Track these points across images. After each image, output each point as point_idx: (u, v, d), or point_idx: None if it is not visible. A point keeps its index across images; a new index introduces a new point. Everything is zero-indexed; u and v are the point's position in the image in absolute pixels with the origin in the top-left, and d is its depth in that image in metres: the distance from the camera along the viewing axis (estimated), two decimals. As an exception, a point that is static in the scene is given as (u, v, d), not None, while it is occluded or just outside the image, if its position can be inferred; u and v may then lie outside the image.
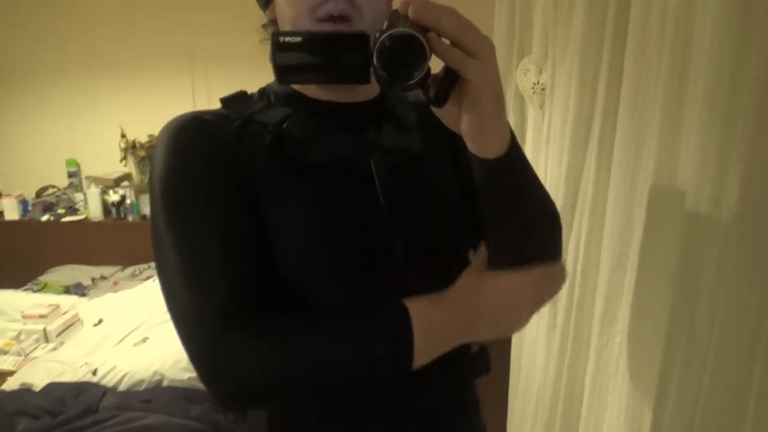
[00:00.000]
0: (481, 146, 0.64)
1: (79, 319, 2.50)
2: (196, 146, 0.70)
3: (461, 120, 0.62)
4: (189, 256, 0.66)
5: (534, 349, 1.39)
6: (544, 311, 1.36)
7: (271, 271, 0.71)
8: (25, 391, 1.95)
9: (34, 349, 2.32)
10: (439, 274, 0.76)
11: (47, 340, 2.37)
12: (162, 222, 0.68)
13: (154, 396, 1.93)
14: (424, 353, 0.65)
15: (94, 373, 2.05)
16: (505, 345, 1.54)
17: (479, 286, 0.69)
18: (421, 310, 0.65)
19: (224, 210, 0.69)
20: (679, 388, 0.93)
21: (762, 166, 0.76)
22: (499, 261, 0.81)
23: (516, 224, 0.74)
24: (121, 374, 2.01)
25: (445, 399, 0.83)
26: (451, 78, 0.58)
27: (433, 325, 0.66)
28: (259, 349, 0.64)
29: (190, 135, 0.71)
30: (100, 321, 2.46)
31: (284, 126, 0.74)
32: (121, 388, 2.00)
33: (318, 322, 0.66)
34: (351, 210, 0.74)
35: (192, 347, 0.65)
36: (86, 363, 2.12)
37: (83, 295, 2.76)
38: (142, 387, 2.00)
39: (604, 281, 1.08)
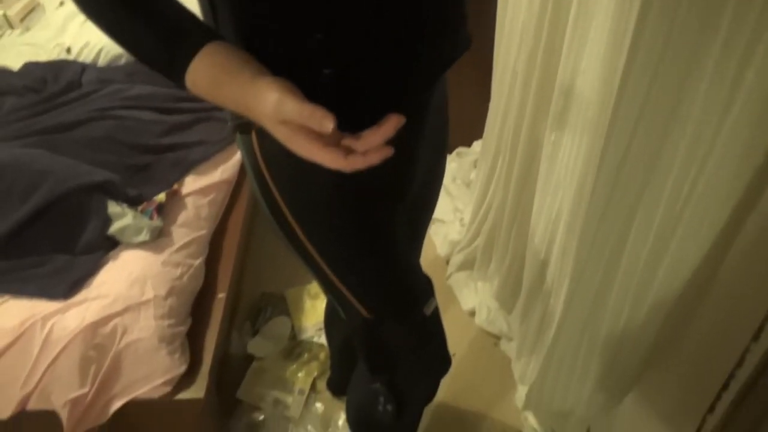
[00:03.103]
0: None
1: (39, 3, 2.34)
2: None
3: None
4: None
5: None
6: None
7: None
8: (2, 72, 1.91)
9: (0, 37, 2.22)
10: None
11: (11, 26, 2.24)
12: None
13: (135, 70, 1.90)
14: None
15: (68, 51, 1.99)
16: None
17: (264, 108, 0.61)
18: (213, 71, 0.64)
19: None
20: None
21: None
22: None
23: None
24: (97, 49, 1.95)
25: (431, 7, 0.78)
26: None
27: (207, 86, 0.65)
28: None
29: None
30: (62, 3, 2.31)
31: None
32: (100, 63, 1.96)
33: (131, 11, 0.65)
34: None
35: None
36: (58, 43, 2.04)
37: (36, -23, 2.52)
38: (122, 61, 1.97)
39: None
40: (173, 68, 0.65)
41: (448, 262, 1.92)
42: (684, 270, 1.04)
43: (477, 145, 2.28)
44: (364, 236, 0.93)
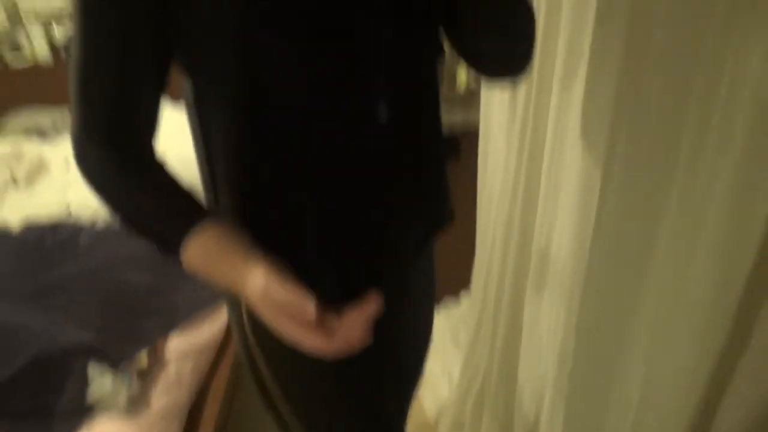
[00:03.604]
0: None
1: (45, 163, 2.47)
2: None
3: None
4: (80, 59, 0.67)
5: (497, 141, 1.40)
6: (502, 108, 1.34)
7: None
8: (2, 233, 1.97)
9: (4, 194, 2.31)
10: (407, 42, 0.75)
11: (16, 184, 2.34)
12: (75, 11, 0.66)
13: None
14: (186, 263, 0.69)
15: (68, 209, 2.07)
16: (474, 139, 1.55)
17: (254, 289, 0.66)
18: (207, 250, 0.67)
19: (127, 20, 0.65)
20: (624, 164, 0.96)
21: None
22: (468, 42, 0.81)
23: (493, 15, 0.73)
24: (95, 208, 2.03)
25: (416, 183, 0.84)
26: None
27: (201, 264, 0.68)
28: (91, 175, 0.71)
29: None
30: (68, 162, 2.43)
31: None
32: (99, 224, 2.02)
33: (136, 188, 0.70)
34: None
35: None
36: (59, 201, 2.13)
37: (45, 139, 2.68)
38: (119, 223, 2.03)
39: (561, 61, 1.05)
40: (170, 245, 0.69)
41: (437, 424, 1.85)
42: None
43: (465, 296, 2.30)
44: (346, 400, 0.92)
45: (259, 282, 0.64)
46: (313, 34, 0.68)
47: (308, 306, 0.61)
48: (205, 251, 0.68)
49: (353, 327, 0.63)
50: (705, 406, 0.95)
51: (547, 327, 1.27)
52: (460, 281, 2.19)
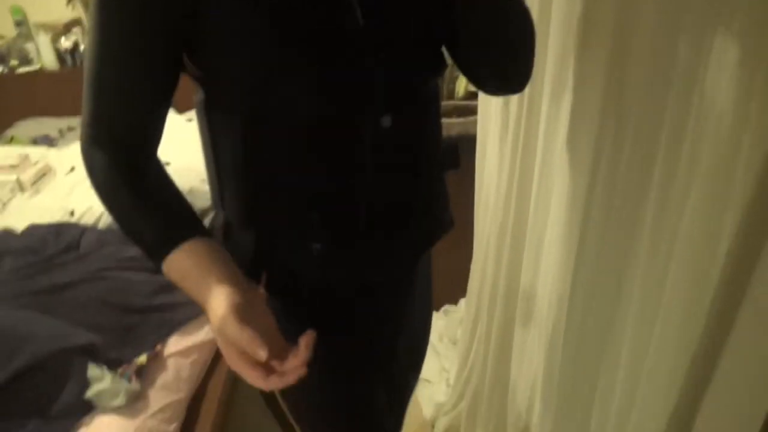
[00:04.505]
0: None
1: (51, 168, 2.51)
2: None
3: None
4: (92, 62, 0.70)
5: (493, 149, 1.43)
6: (497, 117, 1.37)
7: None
8: (6, 234, 2.00)
9: (10, 199, 2.34)
10: (410, 64, 0.79)
11: (22, 190, 2.38)
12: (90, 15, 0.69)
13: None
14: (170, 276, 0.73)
15: (72, 214, 2.10)
16: (472, 148, 1.58)
17: (219, 319, 0.66)
18: (186, 266, 0.70)
19: (138, 29, 0.68)
20: (607, 171, 0.98)
21: None
22: (469, 59, 0.84)
23: (491, 37, 0.76)
24: (98, 213, 2.06)
25: (416, 191, 0.87)
26: None
27: (179, 278, 0.71)
28: (95, 174, 0.74)
29: None
30: (73, 168, 2.47)
31: None
32: (100, 226, 2.06)
33: (134, 194, 0.72)
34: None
35: None
36: (63, 206, 2.16)
37: (52, 146, 2.73)
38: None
39: (550, 76, 1.08)
40: (154, 255, 0.72)
41: (434, 426, 1.86)
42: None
43: (463, 302, 2.32)
44: (346, 406, 0.95)
45: (219, 314, 0.65)
46: (325, 44, 0.71)
47: (261, 348, 0.62)
48: (184, 268, 0.70)
49: (292, 366, 0.64)
50: (683, 410, 0.97)
51: (536, 335, 1.29)
52: (459, 288, 2.21)
